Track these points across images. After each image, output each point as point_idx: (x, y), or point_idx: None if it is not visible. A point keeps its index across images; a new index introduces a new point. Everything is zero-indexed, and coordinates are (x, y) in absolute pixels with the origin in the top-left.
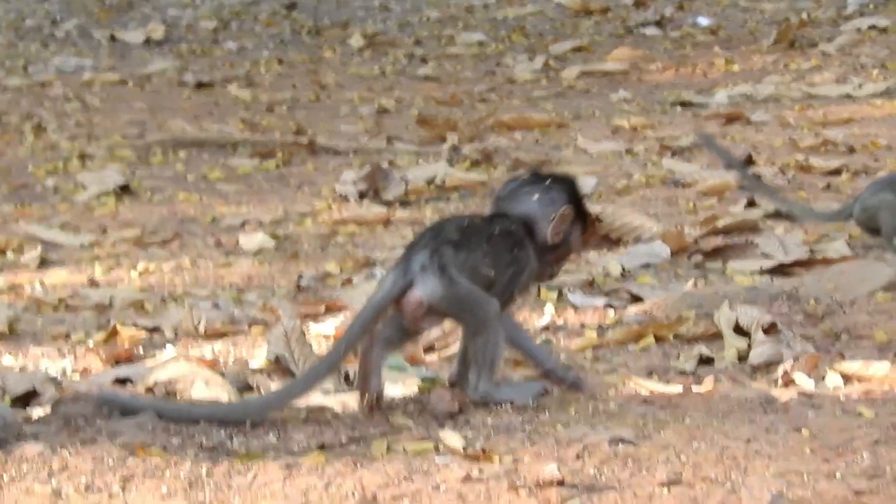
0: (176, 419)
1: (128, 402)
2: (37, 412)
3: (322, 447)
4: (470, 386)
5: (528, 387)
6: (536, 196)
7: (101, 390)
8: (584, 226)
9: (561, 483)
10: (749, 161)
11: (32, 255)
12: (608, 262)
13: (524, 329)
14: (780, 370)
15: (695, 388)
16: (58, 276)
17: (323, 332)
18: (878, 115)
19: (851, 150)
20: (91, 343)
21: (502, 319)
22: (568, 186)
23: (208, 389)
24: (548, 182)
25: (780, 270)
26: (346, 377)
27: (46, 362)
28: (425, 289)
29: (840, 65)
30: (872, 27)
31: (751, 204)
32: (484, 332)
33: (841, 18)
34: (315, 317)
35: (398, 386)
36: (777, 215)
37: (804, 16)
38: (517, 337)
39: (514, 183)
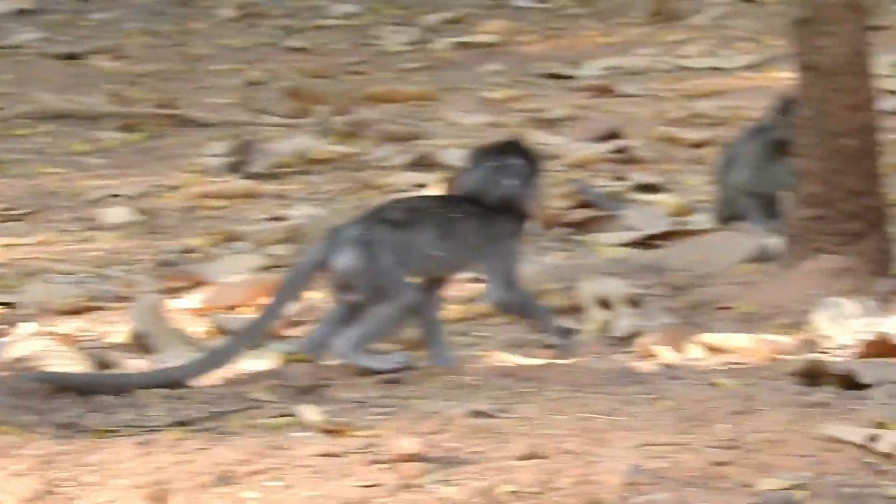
0: (110, 390)
1: (58, 378)
2: None
3: (179, 423)
4: (336, 347)
5: (391, 357)
6: (507, 176)
7: (33, 372)
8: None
9: (420, 457)
10: (616, 135)
11: None
12: None
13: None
14: (641, 342)
15: (556, 361)
16: None
17: (186, 307)
18: (748, 88)
19: (721, 122)
20: None
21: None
22: (523, 153)
23: (66, 365)
24: (510, 159)
25: (645, 242)
26: None
27: None
28: (341, 259)
29: (711, 37)
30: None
31: (618, 177)
32: (383, 311)
33: None
34: (178, 292)
35: (257, 360)
36: (643, 188)
37: None
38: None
39: (476, 164)
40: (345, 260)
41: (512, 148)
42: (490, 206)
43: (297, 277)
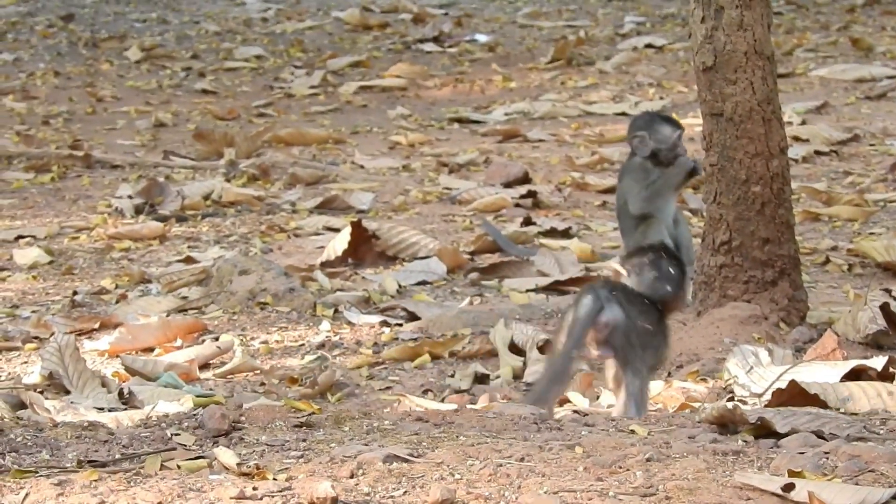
0: None
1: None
2: None
3: (95, 464)
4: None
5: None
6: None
7: None
8: None
9: (335, 501)
10: (525, 180)
11: None
12: (384, 279)
13: None
14: None
15: (470, 406)
16: None
17: (97, 348)
18: None
19: None
20: None
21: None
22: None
23: None
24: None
25: (556, 288)
26: (121, 393)
27: None
28: (612, 314)
29: (616, 83)
30: (649, 46)
31: (527, 222)
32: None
33: (618, 37)
34: (90, 332)
35: (173, 403)
36: (551, 233)
37: (581, 34)
38: None
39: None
40: (615, 314)
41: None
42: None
43: (580, 327)
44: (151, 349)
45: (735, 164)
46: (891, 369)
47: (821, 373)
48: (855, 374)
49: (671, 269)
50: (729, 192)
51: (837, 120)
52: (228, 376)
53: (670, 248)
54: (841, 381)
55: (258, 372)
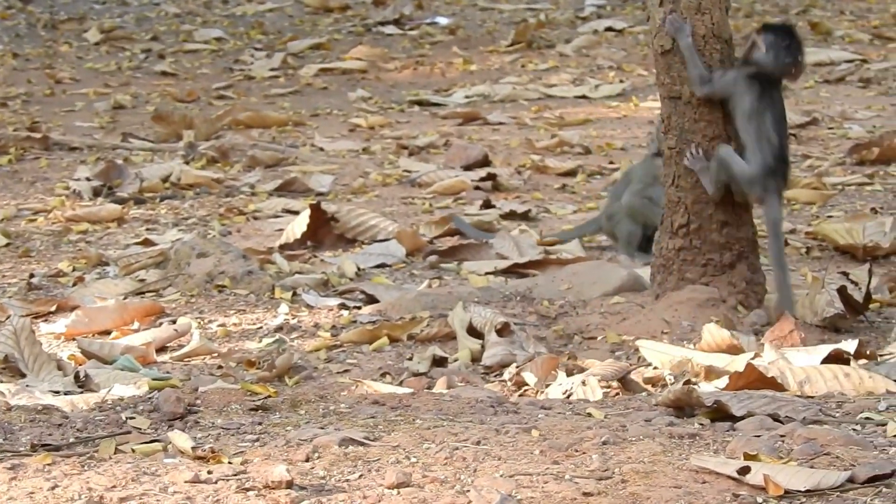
0: None
1: None
2: None
3: (49, 448)
4: None
5: None
6: None
7: None
8: None
9: (290, 485)
10: (485, 162)
11: None
12: (343, 262)
13: None
14: (511, 371)
15: (427, 389)
16: None
17: (54, 331)
18: (614, 116)
19: (587, 150)
20: None
21: None
22: None
23: None
24: None
25: (515, 271)
26: (77, 377)
27: None
28: None
29: (577, 66)
30: (609, 29)
31: (486, 205)
32: None
33: (578, 20)
34: (46, 315)
35: (129, 386)
36: (511, 216)
37: (542, 17)
38: None
39: None
40: None
41: None
42: None
43: None
44: (108, 332)
45: (693, 147)
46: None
47: (799, 358)
48: (832, 359)
49: None
50: (687, 176)
51: (796, 103)
52: (185, 359)
53: None
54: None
55: (215, 355)
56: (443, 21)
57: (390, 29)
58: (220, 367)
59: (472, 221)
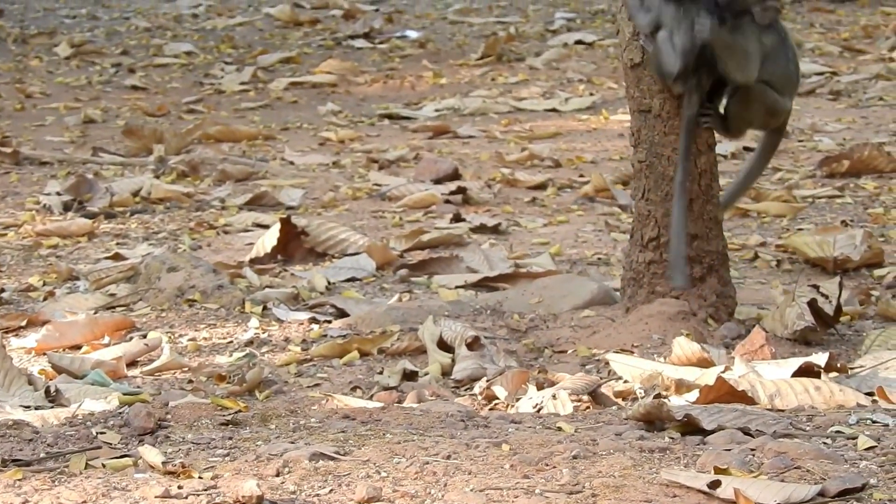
0: None
1: None
2: None
3: (20, 463)
4: None
5: None
6: None
7: None
8: None
9: (261, 500)
10: (455, 176)
11: None
12: (313, 276)
13: None
14: (481, 385)
15: (397, 404)
16: None
17: (24, 346)
18: (584, 130)
19: (557, 164)
20: None
21: None
22: None
23: None
24: None
25: (485, 284)
26: (48, 391)
27: None
28: None
29: (547, 79)
30: (579, 42)
31: (456, 218)
32: None
33: (548, 33)
34: (17, 330)
35: (100, 401)
36: (482, 229)
37: (512, 30)
38: None
39: None
40: None
41: None
42: None
43: None
44: (79, 346)
45: (663, 160)
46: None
47: (770, 372)
48: (803, 372)
49: None
50: (657, 189)
51: None
52: (156, 374)
53: None
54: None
55: (186, 369)
56: (413, 35)
57: (360, 43)
58: (190, 381)
59: (442, 235)
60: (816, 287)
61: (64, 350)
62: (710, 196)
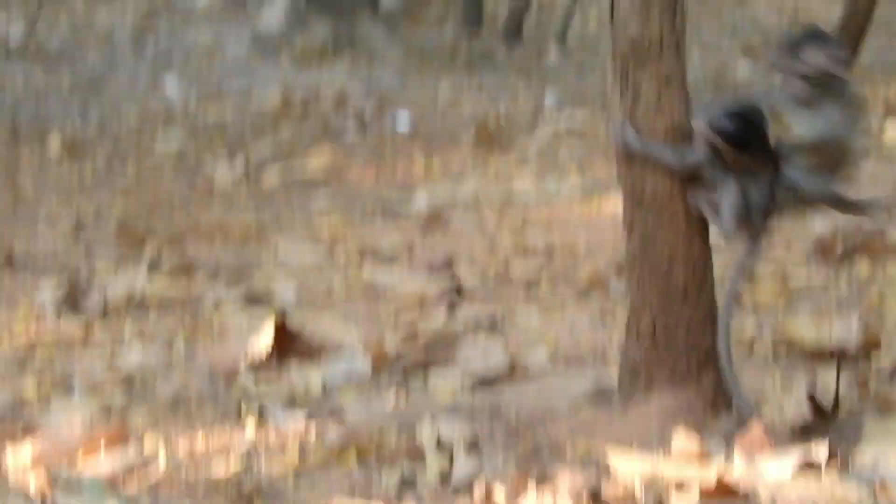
0: None
1: None
2: None
3: None
4: None
5: None
6: None
7: None
8: None
9: None
10: (450, 266)
11: None
12: (309, 377)
13: None
14: (480, 487)
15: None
16: None
17: (20, 457)
18: (577, 217)
19: (550, 253)
20: None
21: None
22: None
23: None
24: None
25: (483, 382)
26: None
27: None
28: None
29: (539, 164)
30: (571, 126)
31: (451, 312)
32: None
33: (539, 119)
34: (12, 438)
35: None
36: (477, 324)
37: (502, 115)
38: None
39: None
40: None
41: None
42: None
43: None
44: (75, 456)
45: (657, 249)
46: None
47: (769, 467)
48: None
49: None
50: (651, 279)
51: None
52: (153, 483)
53: None
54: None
55: (183, 478)
56: (403, 123)
57: (351, 130)
58: (187, 489)
59: (437, 332)
60: (814, 377)
61: (60, 460)
62: (705, 285)
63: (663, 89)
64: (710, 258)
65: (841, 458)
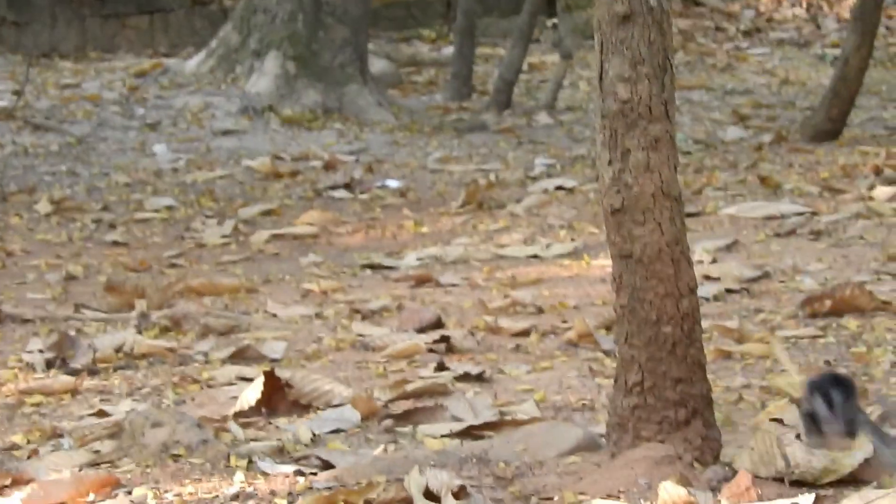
0: None
1: None
2: None
3: None
4: None
5: None
6: None
7: None
8: None
9: None
10: (439, 324)
11: None
12: (298, 428)
13: None
14: None
15: None
16: None
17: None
18: (566, 275)
19: (540, 310)
20: None
21: None
22: None
23: None
24: None
25: (470, 433)
26: None
27: None
28: None
29: (528, 225)
30: (559, 188)
31: (440, 367)
32: None
33: (528, 179)
34: (1, 490)
35: None
36: (466, 377)
37: (492, 177)
38: None
39: None
40: None
41: None
42: None
43: None
44: None
45: (645, 304)
46: None
47: None
48: None
49: None
50: (640, 333)
51: (748, 257)
52: None
53: None
54: None
55: None
56: (393, 184)
57: (341, 193)
58: None
59: (426, 384)
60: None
61: None
62: (693, 339)
63: (651, 152)
64: (698, 312)
65: None
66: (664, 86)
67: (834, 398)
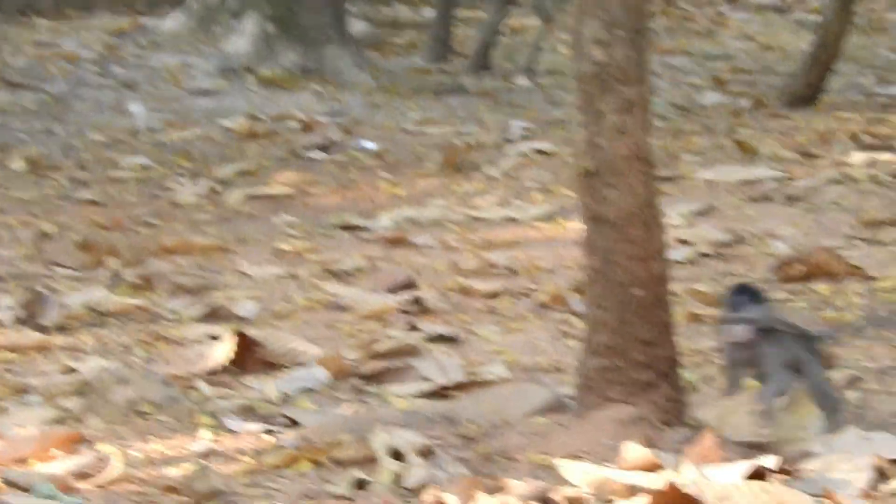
0: None
1: None
2: None
3: None
4: None
5: None
6: None
7: None
8: None
9: None
10: (409, 286)
11: None
12: (266, 387)
13: None
14: (432, 493)
15: None
16: None
17: None
18: (541, 238)
19: (513, 272)
20: None
21: None
22: None
23: None
24: None
25: (439, 393)
26: None
27: None
28: None
29: (504, 188)
30: (538, 151)
31: (412, 328)
32: None
33: (505, 143)
34: None
35: None
36: (436, 339)
37: (469, 140)
38: None
39: None
40: None
41: None
42: None
43: None
44: (28, 459)
45: (616, 267)
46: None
47: (719, 475)
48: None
49: None
50: (610, 296)
51: (722, 222)
52: (106, 487)
53: None
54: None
55: (137, 482)
56: (370, 146)
57: (317, 154)
58: (141, 493)
59: (396, 345)
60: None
61: (14, 464)
62: (662, 302)
63: (626, 115)
64: (667, 277)
65: (790, 467)
66: (640, 49)
67: (735, 301)
